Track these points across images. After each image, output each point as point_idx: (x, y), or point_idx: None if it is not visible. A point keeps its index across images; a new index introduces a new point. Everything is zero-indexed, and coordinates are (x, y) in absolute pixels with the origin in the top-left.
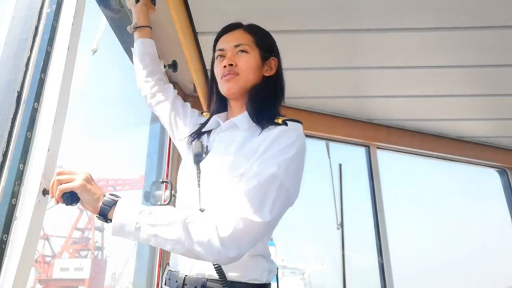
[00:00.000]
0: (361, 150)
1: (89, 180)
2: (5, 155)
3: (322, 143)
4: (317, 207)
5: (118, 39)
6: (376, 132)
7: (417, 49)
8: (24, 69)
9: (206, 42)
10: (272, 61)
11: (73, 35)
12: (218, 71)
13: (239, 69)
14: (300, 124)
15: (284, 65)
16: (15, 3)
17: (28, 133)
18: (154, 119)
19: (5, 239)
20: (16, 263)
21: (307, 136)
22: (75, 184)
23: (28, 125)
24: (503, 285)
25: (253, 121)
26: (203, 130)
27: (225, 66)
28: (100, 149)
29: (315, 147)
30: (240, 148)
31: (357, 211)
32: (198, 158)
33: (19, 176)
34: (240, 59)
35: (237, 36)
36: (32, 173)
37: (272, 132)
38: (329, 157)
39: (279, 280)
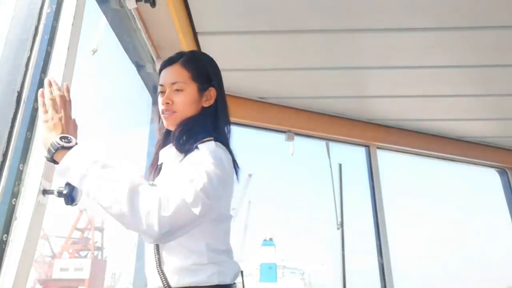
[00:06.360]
0: (361, 150)
1: (61, 118)
2: (5, 155)
3: (322, 143)
4: (317, 207)
5: (118, 39)
6: (376, 132)
7: (417, 49)
8: (24, 69)
9: (206, 42)
10: (211, 92)
11: (73, 35)
12: (159, 106)
13: (176, 107)
14: (211, 142)
15: (284, 65)
16: (15, 3)
17: (28, 133)
18: (154, 119)
19: (5, 239)
20: (16, 263)
21: (307, 136)
22: (49, 114)
23: (28, 125)
24: (503, 285)
25: (177, 149)
26: (159, 164)
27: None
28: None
29: (315, 147)
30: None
31: (357, 211)
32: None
33: (19, 176)
34: (177, 96)
35: (174, 73)
36: (32, 173)
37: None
38: (329, 157)
39: (278, 279)
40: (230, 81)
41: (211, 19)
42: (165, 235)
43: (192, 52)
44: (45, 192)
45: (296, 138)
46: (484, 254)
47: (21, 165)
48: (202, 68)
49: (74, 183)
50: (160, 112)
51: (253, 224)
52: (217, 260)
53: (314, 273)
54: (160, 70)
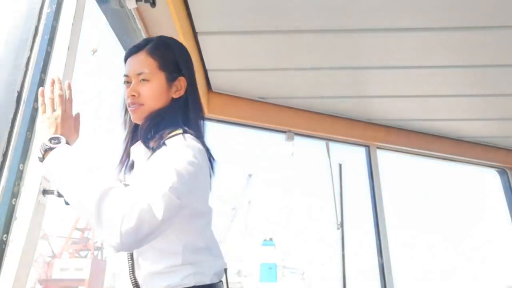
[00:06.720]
0: (361, 150)
1: (57, 117)
2: (5, 155)
3: (322, 143)
4: (317, 207)
5: (118, 39)
6: (376, 132)
7: (417, 49)
8: (24, 69)
9: (206, 42)
10: (181, 81)
11: (73, 35)
12: (125, 98)
13: (143, 99)
14: (179, 136)
15: (284, 65)
16: (15, 3)
17: (28, 133)
18: None
19: (5, 239)
20: (16, 263)
21: (307, 136)
22: (48, 113)
23: (28, 125)
24: (503, 285)
25: (144, 146)
26: (130, 163)
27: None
28: (99, 149)
29: (315, 147)
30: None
31: (357, 211)
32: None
33: (19, 176)
34: (143, 87)
35: (140, 62)
36: (32, 173)
37: (156, 154)
38: (329, 157)
39: (278, 279)
40: (230, 81)
41: (211, 19)
42: (131, 245)
43: (159, 38)
44: (45, 192)
45: (296, 138)
46: (483, 254)
47: (21, 165)
48: (170, 56)
49: (55, 184)
50: (127, 105)
51: (253, 224)
52: (193, 260)
53: (314, 273)
54: (125, 59)
